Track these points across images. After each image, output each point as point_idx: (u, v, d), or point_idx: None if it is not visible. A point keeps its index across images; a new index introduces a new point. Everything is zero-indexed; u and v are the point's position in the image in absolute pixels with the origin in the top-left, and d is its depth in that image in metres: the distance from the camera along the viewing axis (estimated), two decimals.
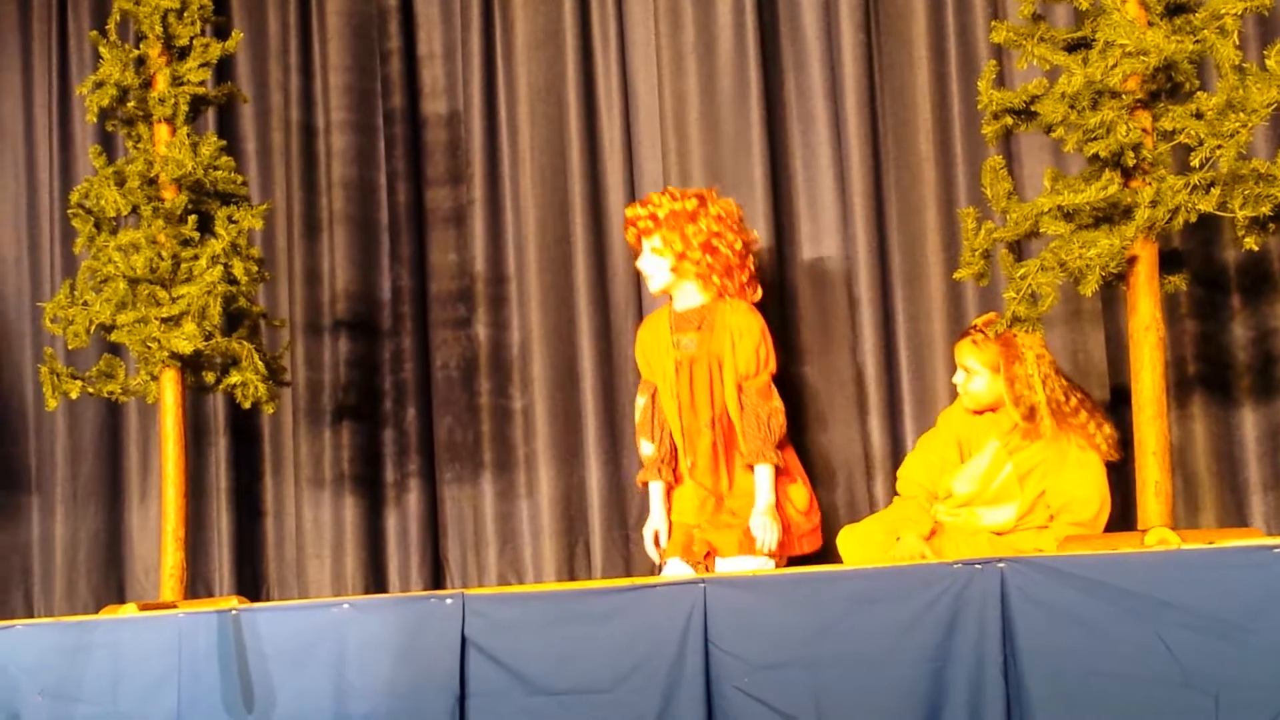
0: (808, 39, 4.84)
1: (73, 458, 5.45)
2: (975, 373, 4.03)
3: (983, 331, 4.00)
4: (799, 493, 4.30)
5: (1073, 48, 3.67)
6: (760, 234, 4.71)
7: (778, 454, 4.24)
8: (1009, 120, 3.76)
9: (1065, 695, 3.12)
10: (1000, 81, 4.04)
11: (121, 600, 5.16)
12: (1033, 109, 3.70)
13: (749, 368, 4.25)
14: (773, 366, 4.30)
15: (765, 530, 4.17)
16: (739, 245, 4.31)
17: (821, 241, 4.77)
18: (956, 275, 3.90)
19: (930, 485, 4.12)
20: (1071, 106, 3.61)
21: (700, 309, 4.33)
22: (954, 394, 4.22)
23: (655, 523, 4.38)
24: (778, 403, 4.26)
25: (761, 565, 4.15)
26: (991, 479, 4.02)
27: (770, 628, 3.40)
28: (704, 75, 4.94)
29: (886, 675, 3.27)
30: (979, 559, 3.34)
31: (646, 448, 4.40)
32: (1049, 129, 3.70)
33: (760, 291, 4.41)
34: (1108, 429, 3.97)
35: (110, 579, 5.39)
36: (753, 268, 4.38)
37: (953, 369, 4.28)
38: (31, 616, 5.25)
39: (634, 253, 4.50)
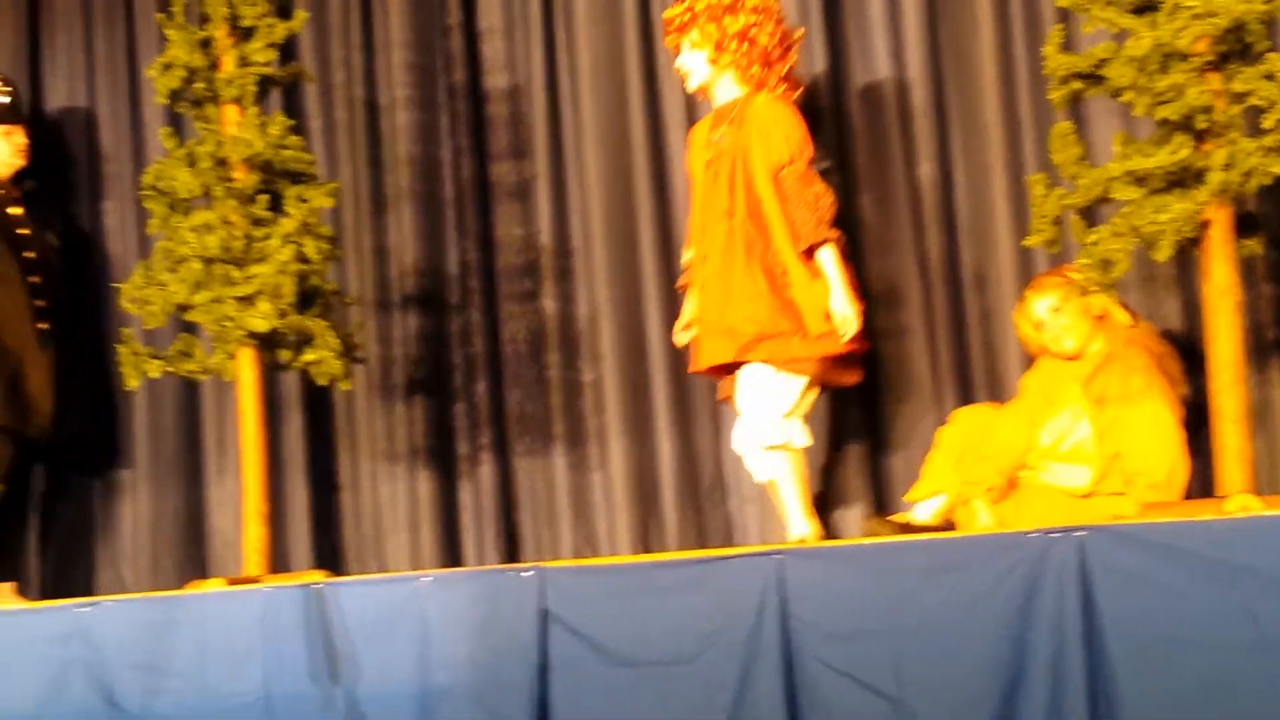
0: (869, 6, 4.81)
1: (153, 436, 5.52)
2: (1056, 311, 4.02)
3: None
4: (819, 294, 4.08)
5: (1140, 10, 3.62)
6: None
7: (835, 231, 4.06)
8: (1076, 85, 3.73)
9: (1147, 663, 3.11)
10: (1067, 46, 4.00)
11: (203, 575, 5.25)
12: (1100, 73, 3.66)
13: (781, 156, 4.07)
14: (809, 152, 4.11)
15: (841, 313, 4.05)
16: (778, 34, 4.21)
17: (888, 208, 4.75)
18: (1026, 242, 3.89)
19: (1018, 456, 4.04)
20: (1140, 70, 3.57)
21: (735, 102, 4.22)
22: (1030, 361, 4.21)
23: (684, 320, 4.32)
24: (820, 186, 4.10)
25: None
26: (1068, 434, 3.99)
27: (848, 597, 3.41)
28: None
29: (966, 644, 3.27)
30: (1057, 528, 3.34)
31: (686, 255, 4.36)
32: (1118, 93, 3.67)
33: (795, 88, 4.31)
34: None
35: (192, 554, 5.46)
36: (793, 62, 4.29)
37: None
38: (119, 592, 5.33)
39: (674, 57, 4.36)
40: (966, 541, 3.51)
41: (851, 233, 4.74)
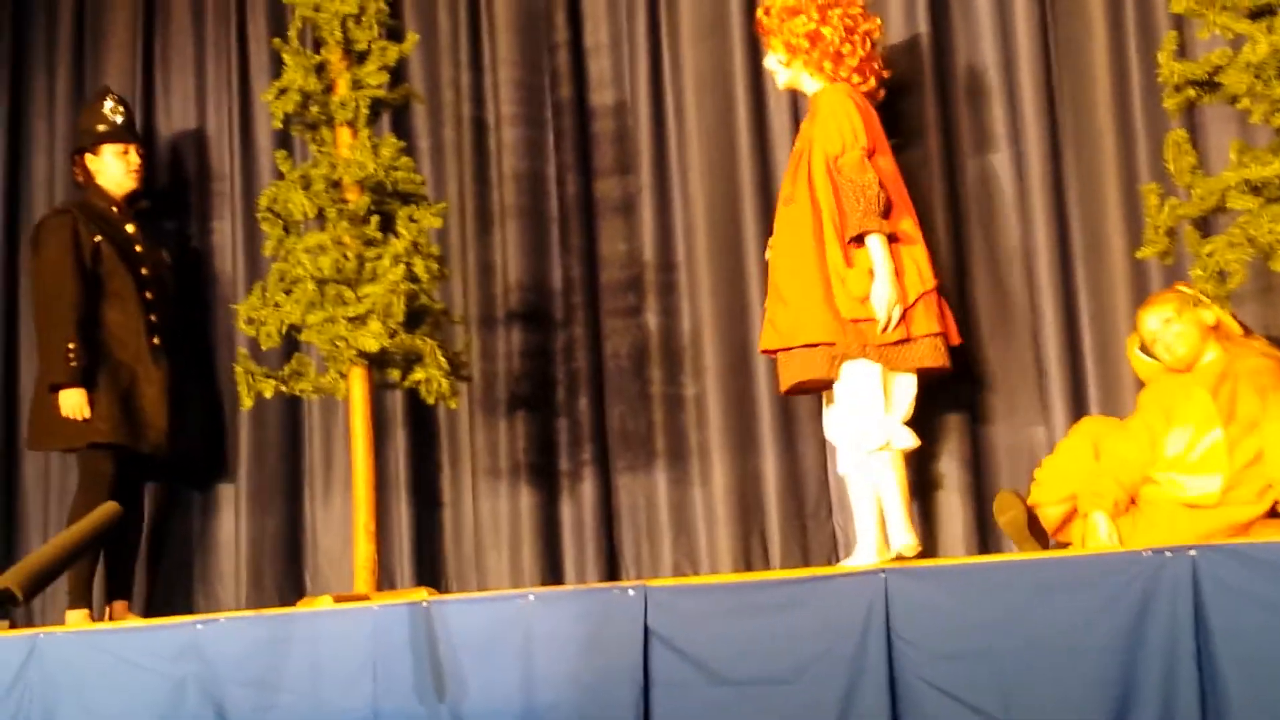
0: (980, 13, 4.76)
1: (258, 454, 5.60)
2: (1168, 322, 3.91)
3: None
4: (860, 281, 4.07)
5: (1257, 14, 3.55)
6: (938, 214, 4.65)
7: (884, 222, 4.07)
8: (1191, 92, 3.67)
9: (1260, 683, 3.03)
10: (1181, 52, 3.91)
11: (301, 593, 5.33)
12: (1216, 80, 3.60)
13: (834, 145, 4.13)
14: (864, 142, 4.14)
15: (881, 302, 4.04)
16: (844, 30, 4.28)
17: (998, 220, 4.68)
18: (1140, 254, 3.82)
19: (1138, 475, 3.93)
20: (1257, 76, 3.51)
21: (813, 96, 4.36)
22: (1139, 381, 4.12)
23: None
24: (871, 175, 4.10)
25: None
26: (1196, 443, 3.85)
27: (954, 617, 3.37)
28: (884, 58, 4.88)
29: (1075, 665, 3.22)
30: (1169, 546, 3.26)
31: None
32: (1234, 100, 3.59)
33: (874, 82, 4.35)
34: None
35: (291, 571, 5.52)
36: (869, 50, 4.32)
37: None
38: (219, 609, 5.42)
39: None
40: (1077, 561, 3.44)
41: (961, 246, 4.70)
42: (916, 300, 4.11)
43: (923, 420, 4.61)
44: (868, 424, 4.11)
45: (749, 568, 4.88)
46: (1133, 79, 4.50)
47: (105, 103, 5.20)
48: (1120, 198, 4.47)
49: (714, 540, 4.98)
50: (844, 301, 4.09)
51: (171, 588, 5.62)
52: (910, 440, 4.17)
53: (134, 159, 5.18)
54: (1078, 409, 4.48)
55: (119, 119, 5.17)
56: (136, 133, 5.24)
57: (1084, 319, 4.52)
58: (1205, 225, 3.70)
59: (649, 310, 5.18)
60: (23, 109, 6.12)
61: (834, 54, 4.28)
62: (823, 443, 4.72)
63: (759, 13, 4.43)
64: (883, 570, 3.50)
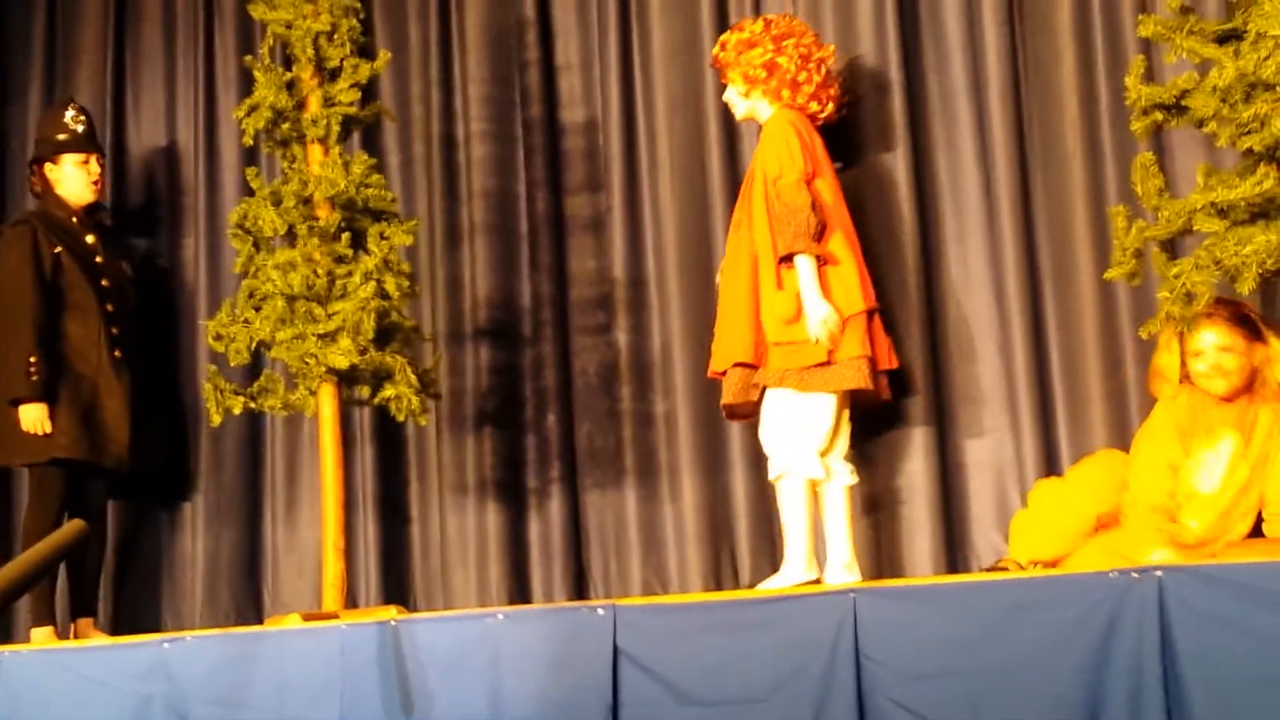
0: (949, 34, 4.78)
1: (216, 469, 5.57)
2: (1222, 349, 3.78)
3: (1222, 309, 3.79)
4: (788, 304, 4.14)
5: (1223, 40, 3.57)
6: (907, 233, 4.69)
7: (816, 245, 4.15)
8: (1159, 115, 3.68)
9: (1227, 706, 3.05)
10: (1149, 76, 3.95)
11: (259, 610, 5.30)
12: (1183, 104, 3.62)
13: (774, 169, 4.23)
14: (800, 165, 4.22)
15: (811, 321, 4.10)
16: (798, 59, 4.39)
17: (967, 241, 4.71)
18: (1108, 275, 3.84)
19: (1169, 500, 3.84)
20: (1224, 100, 3.53)
21: (762, 124, 4.45)
22: (1112, 398, 4.12)
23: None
24: (805, 199, 4.17)
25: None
26: (1221, 491, 3.77)
27: (922, 637, 3.38)
28: (844, 76, 4.90)
29: (1043, 685, 3.23)
30: (1136, 568, 3.28)
31: None
32: (1201, 123, 3.61)
33: (831, 107, 4.46)
34: None
35: (249, 589, 5.49)
36: (824, 76, 4.44)
37: (1108, 367, 4.19)
38: (176, 628, 5.37)
39: None
40: (1045, 581, 3.45)
41: (930, 265, 4.73)
42: (844, 322, 4.16)
43: (890, 437, 4.64)
44: (775, 450, 4.20)
45: (719, 586, 4.88)
46: (1101, 101, 4.53)
47: (66, 111, 5.12)
48: (1088, 219, 4.50)
49: (684, 558, 4.98)
50: (770, 323, 4.18)
51: (137, 605, 5.57)
52: (815, 471, 4.20)
53: (94, 169, 5.10)
54: (1045, 426, 4.51)
55: (80, 128, 5.09)
56: (98, 143, 5.17)
57: (1051, 337, 4.55)
58: (1173, 247, 3.72)
59: (618, 328, 5.18)
60: (7, 125, 6.09)
61: (791, 82, 4.39)
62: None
63: (715, 49, 4.53)
64: (852, 590, 3.51)
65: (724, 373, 4.30)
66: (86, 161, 5.07)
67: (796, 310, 4.13)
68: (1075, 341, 4.52)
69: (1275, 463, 3.76)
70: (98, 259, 5.04)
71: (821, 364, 4.14)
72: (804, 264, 4.15)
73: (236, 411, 4.61)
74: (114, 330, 4.98)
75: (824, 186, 4.31)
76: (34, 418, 4.76)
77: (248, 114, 4.66)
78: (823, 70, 4.46)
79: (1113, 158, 4.48)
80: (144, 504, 5.62)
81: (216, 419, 4.62)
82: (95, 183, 5.09)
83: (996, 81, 4.67)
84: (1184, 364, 3.87)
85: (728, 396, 4.27)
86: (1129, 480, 3.92)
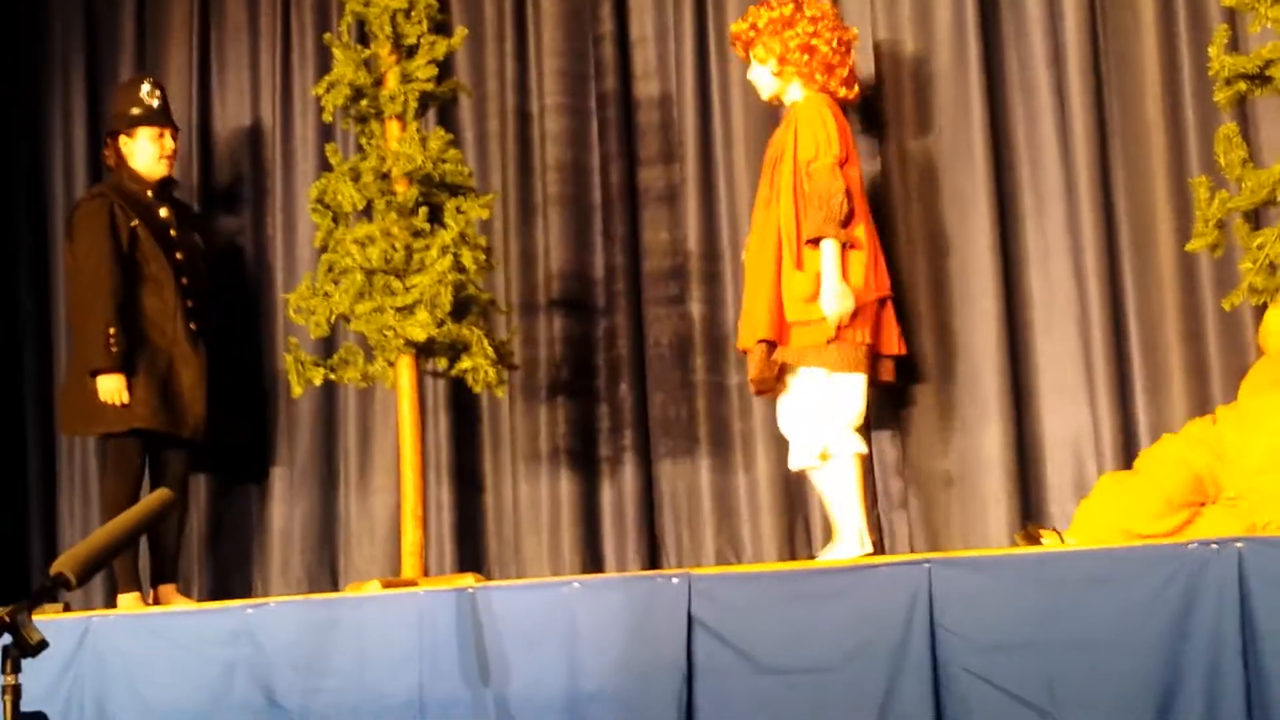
0: (1028, 4, 4.75)
1: (290, 440, 5.62)
2: None
3: None
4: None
5: None
6: (983, 205, 4.67)
7: (842, 231, 4.21)
8: (1242, 86, 3.65)
9: None
10: (1233, 46, 3.89)
11: (334, 578, 5.37)
12: (1268, 73, 3.58)
13: (809, 151, 4.27)
14: (836, 150, 4.27)
15: (827, 305, 4.16)
16: (835, 42, 4.41)
17: (1046, 212, 4.68)
18: (1189, 247, 3.81)
19: None
20: None
21: (792, 105, 4.44)
22: (1193, 371, 4.05)
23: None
24: (839, 184, 4.22)
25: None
26: None
27: (999, 608, 3.37)
28: (921, 47, 4.89)
29: (1120, 657, 3.22)
30: (1215, 539, 3.25)
31: None
32: None
33: (856, 89, 4.50)
34: None
35: (324, 558, 5.55)
36: (852, 64, 4.47)
37: (1189, 341, 4.14)
38: (255, 595, 5.46)
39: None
40: (1123, 553, 3.43)
41: (1007, 237, 4.70)
42: (857, 309, 4.23)
43: (967, 410, 4.63)
44: (813, 432, 4.29)
45: (793, 556, 4.90)
46: (1183, 72, 4.49)
47: (142, 86, 5.15)
48: (1169, 190, 4.46)
49: (757, 528, 5.00)
50: (789, 303, 4.25)
51: (224, 573, 5.67)
52: (860, 446, 4.31)
53: (169, 144, 5.12)
54: (1124, 399, 4.47)
55: (155, 103, 5.11)
56: (172, 118, 5.24)
57: (1130, 309, 4.51)
58: (1256, 218, 3.68)
59: (692, 299, 5.19)
60: (98, 104, 6.19)
61: (826, 65, 4.40)
62: (867, 431, 4.70)
63: (743, 26, 4.48)
64: (927, 560, 3.50)
65: (745, 350, 4.36)
66: (161, 136, 5.11)
67: (815, 290, 4.20)
68: (1155, 313, 4.48)
69: None
70: (172, 232, 5.10)
71: (831, 340, 4.22)
72: (829, 248, 4.21)
73: (317, 383, 4.68)
74: (189, 303, 5.04)
75: (853, 173, 4.34)
76: (112, 388, 4.84)
77: (327, 90, 4.71)
78: (851, 56, 4.48)
79: (1194, 128, 4.43)
80: (225, 474, 5.70)
81: (298, 390, 4.69)
82: (168, 157, 5.14)
83: (1075, 52, 4.63)
84: None
85: (752, 372, 4.33)
86: (1239, 444, 3.73)
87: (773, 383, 4.33)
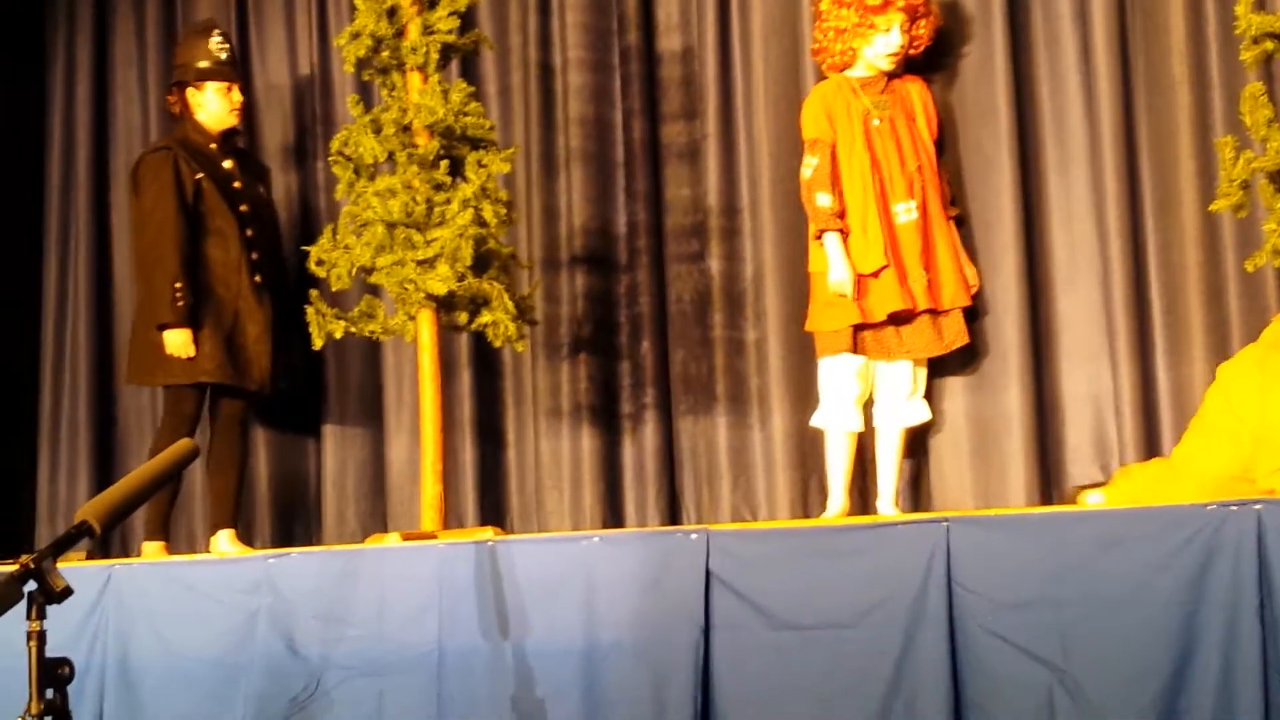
0: None
1: (339, 392, 5.66)
2: None
3: None
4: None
5: None
6: (1006, 162, 4.68)
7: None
8: (1269, 45, 3.63)
9: None
10: (1260, 4, 3.86)
11: (384, 528, 5.41)
12: None
13: (935, 132, 4.68)
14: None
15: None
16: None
17: (1069, 170, 4.66)
18: (1213, 207, 3.79)
19: None
20: None
21: (876, 78, 4.63)
22: (1214, 330, 4.03)
23: (843, 271, 4.49)
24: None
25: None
26: None
27: (1015, 567, 3.39)
28: (945, 3, 4.85)
29: (1136, 617, 3.23)
30: (1234, 500, 3.26)
31: (824, 199, 4.56)
32: None
33: None
34: None
35: (376, 508, 5.60)
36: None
37: (1211, 301, 4.13)
38: (309, 543, 5.51)
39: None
40: (1141, 513, 3.43)
41: (1030, 195, 4.69)
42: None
43: (988, 368, 4.63)
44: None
45: (807, 513, 4.91)
46: (1209, 29, 4.44)
47: (212, 37, 5.11)
48: (1194, 149, 4.43)
49: (772, 485, 5.01)
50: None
51: (283, 523, 5.72)
52: (852, 425, 4.63)
53: (236, 97, 5.11)
54: (1144, 359, 4.47)
55: (224, 55, 5.10)
56: (239, 72, 5.22)
57: (1152, 269, 4.50)
58: None
59: (712, 255, 5.18)
60: (110, 55, 6.19)
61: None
62: None
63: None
64: (945, 519, 3.52)
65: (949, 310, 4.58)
66: (229, 90, 5.11)
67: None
68: (1177, 273, 4.46)
69: None
70: (236, 184, 5.10)
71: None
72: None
73: (338, 335, 4.68)
74: (254, 256, 5.04)
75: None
76: (179, 342, 4.86)
77: (349, 41, 4.69)
78: None
79: (1220, 87, 4.39)
80: (287, 425, 5.72)
81: (319, 342, 4.70)
82: (235, 110, 5.13)
83: (1101, 7, 4.59)
84: None
85: (950, 335, 4.58)
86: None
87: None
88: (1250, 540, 3.14)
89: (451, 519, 5.35)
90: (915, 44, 4.60)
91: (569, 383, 5.34)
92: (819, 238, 4.56)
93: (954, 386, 4.75)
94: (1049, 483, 4.59)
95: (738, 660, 3.59)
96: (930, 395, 4.75)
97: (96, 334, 6.02)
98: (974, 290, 4.60)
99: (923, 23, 4.61)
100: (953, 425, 4.75)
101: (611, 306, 5.34)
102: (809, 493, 4.96)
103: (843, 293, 4.47)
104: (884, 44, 4.54)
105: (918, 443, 4.74)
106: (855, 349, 4.50)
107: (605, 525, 5.17)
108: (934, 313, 4.50)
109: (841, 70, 4.65)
